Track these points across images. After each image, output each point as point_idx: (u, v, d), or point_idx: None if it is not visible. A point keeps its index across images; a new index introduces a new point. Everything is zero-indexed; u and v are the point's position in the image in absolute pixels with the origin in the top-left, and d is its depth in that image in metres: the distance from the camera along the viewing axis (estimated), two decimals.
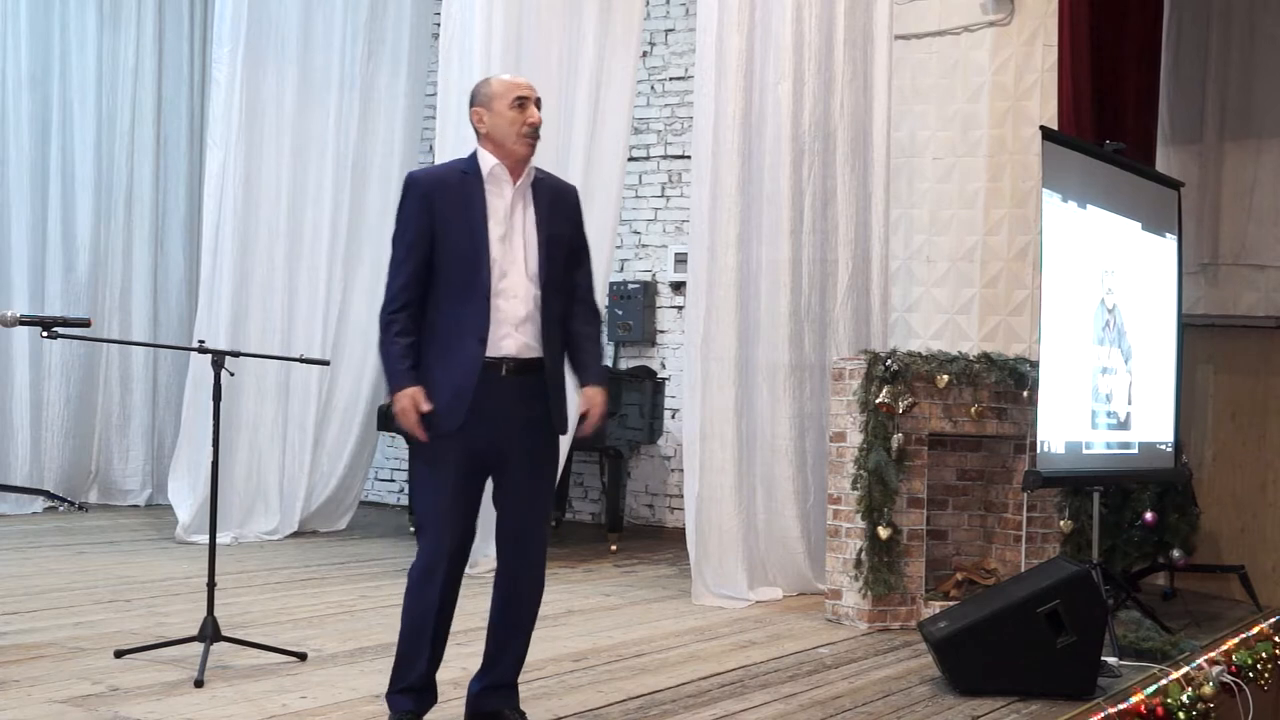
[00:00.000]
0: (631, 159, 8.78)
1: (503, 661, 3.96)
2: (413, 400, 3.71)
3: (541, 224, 3.87)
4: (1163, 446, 6.64)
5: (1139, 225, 6.48)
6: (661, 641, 5.48)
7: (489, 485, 3.92)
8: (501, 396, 3.76)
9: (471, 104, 3.90)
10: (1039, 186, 5.97)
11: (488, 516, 3.95)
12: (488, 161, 3.85)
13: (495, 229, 3.79)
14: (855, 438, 6.05)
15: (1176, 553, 6.94)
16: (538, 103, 3.89)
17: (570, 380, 3.95)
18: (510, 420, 3.80)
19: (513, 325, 3.78)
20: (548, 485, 3.98)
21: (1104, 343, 6.17)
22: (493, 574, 4.02)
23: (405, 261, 3.79)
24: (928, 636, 4.99)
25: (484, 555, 6.15)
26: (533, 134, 3.85)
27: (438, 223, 3.77)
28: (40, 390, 9.05)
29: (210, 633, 4.63)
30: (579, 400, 3.95)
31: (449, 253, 3.76)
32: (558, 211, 3.94)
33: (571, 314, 3.95)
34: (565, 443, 7.26)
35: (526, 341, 3.81)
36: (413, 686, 3.82)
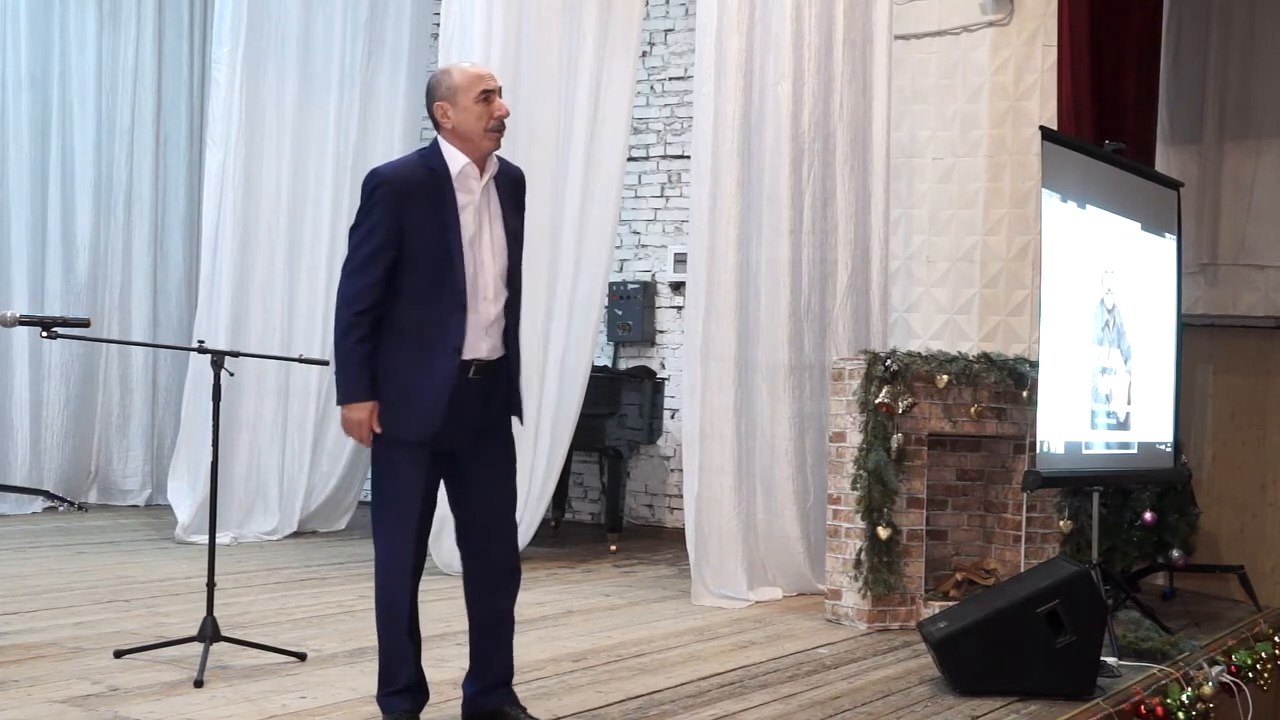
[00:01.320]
0: (631, 159, 8.78)
1: (496, 662, 3.95)
2: (370, 414, 3.71)
3: (506, 220, 3.84)
4: (1162, 447, 6.64)
5: (1138, 225, 6.48)
6: (661, 642, 5.48)
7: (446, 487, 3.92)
8: (465, 398, 3.75)
9: (433, 97, 3.80)
10: (1038, 186, 5.98)
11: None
12: (456, 160, 3.76)
13: (466, 232, 3.74)
14: (855, 438, 6.05)
15: (1176, 553, 6.94)
16: (499, 92, 3.82)
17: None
18: (472, 420, 3.79)
19: (484, 329, 3.76)
20: (510, 484, 3.96)
21: (1103, 343, 6.17)
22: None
23: (372, 262, 3.68)
24: (927, 637, 4.99)
25: None
26: (499, 127, 3.79)
27: (407, 224, 3.68)
28: (40, 390, 9.05)
29: (210, 633, 4.63)
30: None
31: (419, 255, 3.69)
32: (516, 203, 3.91)
33: None
34: (565, 442, 7.31)
35: (494, 343, 3.80)
36: (406, 686, 3.82)
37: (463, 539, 3.94)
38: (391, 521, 3.79)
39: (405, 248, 3.70)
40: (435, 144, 3.82)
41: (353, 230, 3.79)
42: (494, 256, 3.80)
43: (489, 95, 3.77)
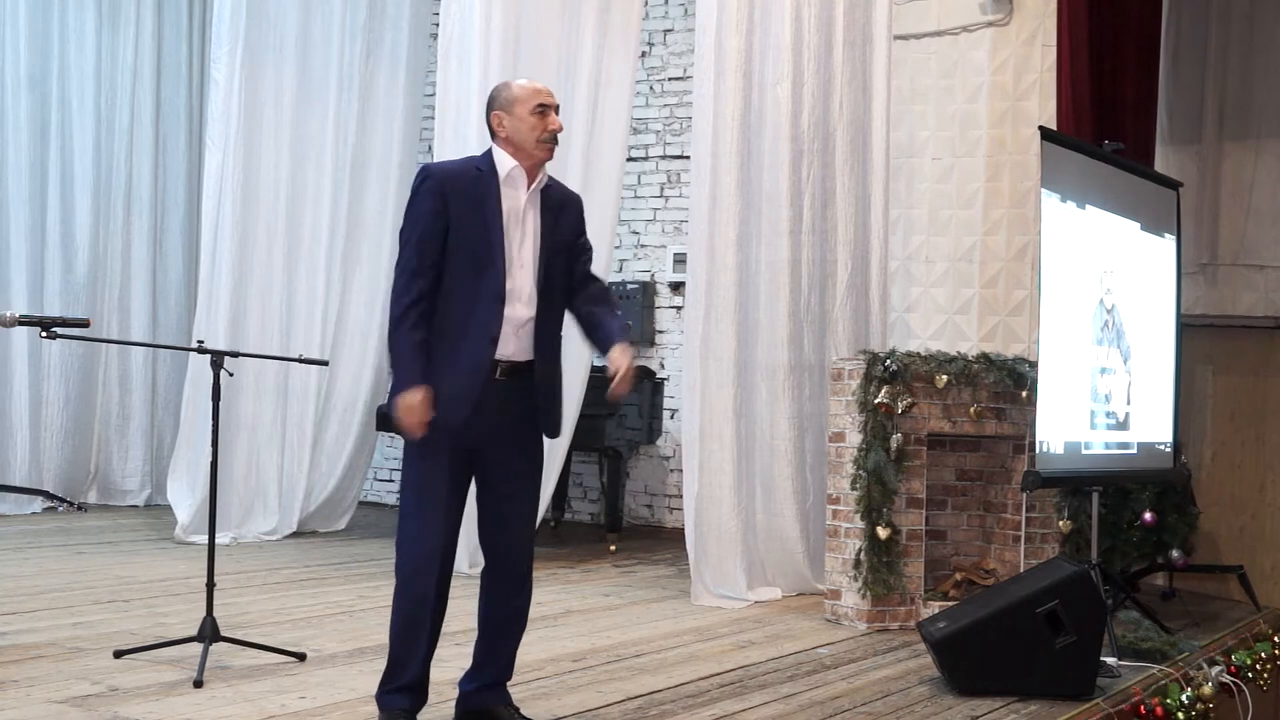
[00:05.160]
0: (630, 159, 8.78)
1: (497, 662, 3.97)
2: (423, 401, 3.69)
3: (547, 231, 3.89)
4: (1162, 447, 6.64)
5: (1138, 225, 6.48)
6: (661, 642, 5.48)
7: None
8: (492, 398, 3.78)
9: (491, 107, 3.90)
10: (1038, 187, 5.98)
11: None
12: (505, 163, 3.85)
13: (508, 230, 3.80)
14: (854, 438, 6.05)
15: (1175, 553, 6.94)
16: (556, 109, 3.90)
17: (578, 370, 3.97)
18: (498, 422, 3.81)
19: (515, 328, 3.80)
20: (533, 487, 3.98)
21: (1103, 343, 6.18)
22: None
23: (416, 252, 3.76)
24: (927, 637, 4.99)
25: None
26: (552, 140, 3.87)
27: (452, 218, 3.76)
28: (39, 390, 9.04)
29: (209, 633, 4.63)
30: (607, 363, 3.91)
31: (461, 249, 3.76)
32: (564, 221, 3.96)
33: (577, 293, 3.97)
34: (565, 442, 7.31)
35: (523, 345, 3.83)
36: (408, 686, 3.82)
37: (483, 539, 3.95)
38: (415, 511, 3.80)
39: (449, 240, 3.77)
40: (488, 150, 3.91)
41: (402, 228, 3.86)
42: (533, 262, 3.84)
43: (545, 109, 3.85)
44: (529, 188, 3.86)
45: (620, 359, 3.79)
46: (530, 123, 3.82)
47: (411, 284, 3.75)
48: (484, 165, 3.87)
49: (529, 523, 3.98)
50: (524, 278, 3.82)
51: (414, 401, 3.69)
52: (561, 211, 3.96)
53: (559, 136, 3.92)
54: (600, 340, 3.97)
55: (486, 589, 3.95)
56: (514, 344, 3.81)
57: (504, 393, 3.81)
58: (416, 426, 3.71)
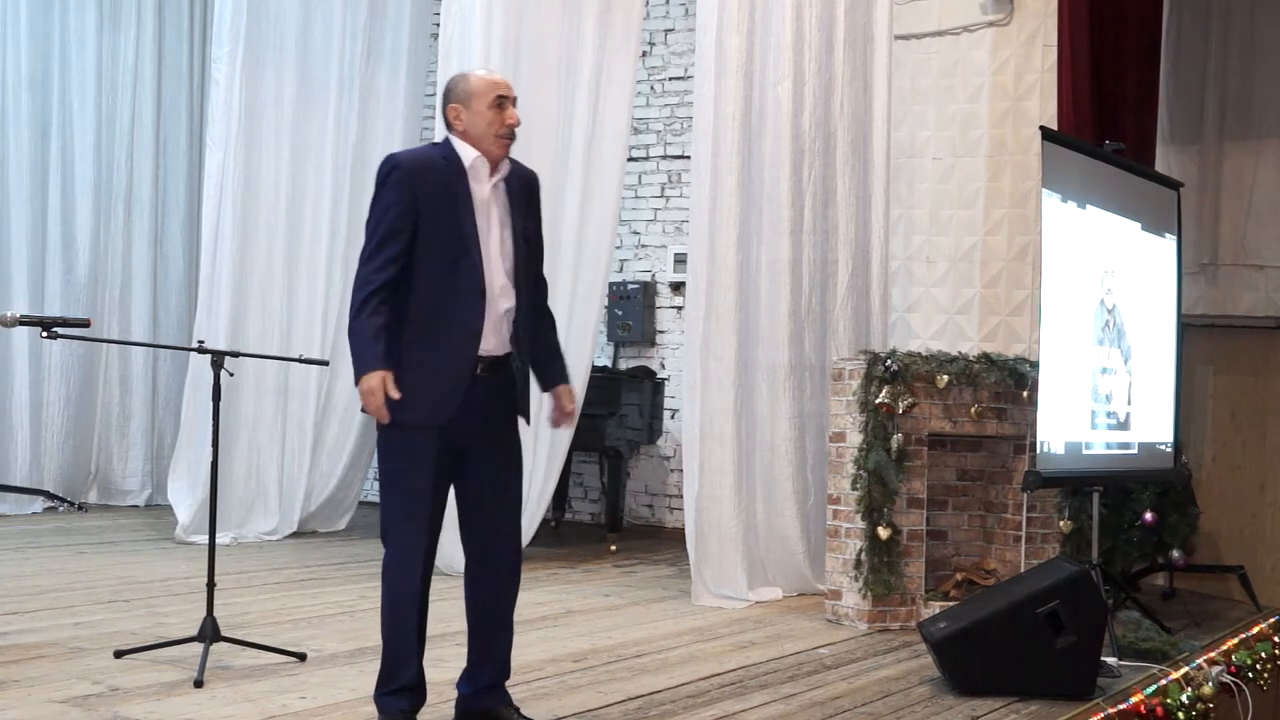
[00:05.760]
0: (631, 159, 8.78)
1: (493, 663, 3.95)
2: (383, 382, 3.62)
3: (517, 219, 3.87)
4: (1162, 447, 6.64)
5: (1139, 225, 6.49)
6: (661, 642, 5.48)
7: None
8: (472, 393, 3.77)
9: (447, 99, 3.84)
10: (1039, 187, 5.98)
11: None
12: (468, 153, 3.80)
13: (478, 222, 3.77)
14: (855, 438, 6.05)
15: (1176, 553, 6.94)
16: (514, 101, 3.85)
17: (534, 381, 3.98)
18: (477, 417, 3.79)
19: (494, 323, 3.79)
20: (515, 478, 3.96)
21: (1104, 343, 6.18)
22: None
23: (385, 244, 3.71)
24: (927, 637, 4.99)
25: None
26: (510, 135, 3.82)
27: (422, 209, 3.71)
28: (40, 390, 9.05)
29: (210, 633, 4.63)
30: (548, 399, 3.97)
31: (434, 243, 3.72)
32: (530, 205, 3.94)
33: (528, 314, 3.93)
34: (565, 442, 7.30)
35: (501, 339, 3.82)
36: (406, 686, 3.81)
37: (466, 538, 3.93)
38: (401, 513, 3.78)
39: (420, 232, 3.72)
40: (447, 140, 3.86)
41: (368, 219, 3.81)
42: (500, 253, 3.82)
43: (503, 102, 3.81)
44: (491, 179, 3.82)
45: (565, 396, 3.96)
46: (488, 117, 3.77)
47: (374, 276, 3.71)
48: (448, 154, 3.80)
49: (516, 519, 3.96)
50: (495, 270, 3.79)
51: (375, 384, 3.62)
52: (527, 196, 3.94)
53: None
54: (543, 377, 4.00)
55: (475, 589, 3.92)
56: (494, 339, 3.80)
57: (485, 388, 3.80)
58: (380, 409, 3.64)
